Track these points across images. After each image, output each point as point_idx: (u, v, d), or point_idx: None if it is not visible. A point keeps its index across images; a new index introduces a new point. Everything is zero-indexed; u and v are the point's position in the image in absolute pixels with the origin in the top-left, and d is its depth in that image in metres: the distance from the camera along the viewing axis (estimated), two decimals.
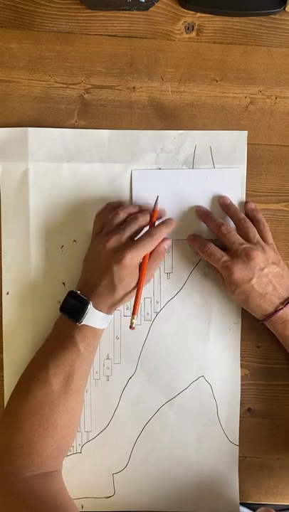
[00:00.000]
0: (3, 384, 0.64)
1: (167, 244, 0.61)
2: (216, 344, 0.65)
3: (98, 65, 0.64)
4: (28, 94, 0.64)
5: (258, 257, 0.58)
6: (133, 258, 0.56)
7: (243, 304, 0.61)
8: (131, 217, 0.60)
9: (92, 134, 0.64)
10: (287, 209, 0.66)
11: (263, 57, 0.65)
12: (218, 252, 0.60)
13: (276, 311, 0.59)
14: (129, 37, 0.64)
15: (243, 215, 0.63)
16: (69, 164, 0.64)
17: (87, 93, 0.65)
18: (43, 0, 0.63)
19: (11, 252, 0.64)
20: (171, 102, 0.65)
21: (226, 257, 0.59)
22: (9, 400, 0.58)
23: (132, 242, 0.58)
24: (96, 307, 0.57)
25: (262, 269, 0.59)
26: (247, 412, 0.66)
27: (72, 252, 0.64)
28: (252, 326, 0.65)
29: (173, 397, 0.65)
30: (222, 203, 0.64)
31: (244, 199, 0.65)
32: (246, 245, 0.59)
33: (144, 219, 0.60)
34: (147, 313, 0.65)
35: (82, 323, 0.56)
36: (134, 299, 0.58)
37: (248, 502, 0.66)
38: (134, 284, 0.58)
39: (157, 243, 0.59)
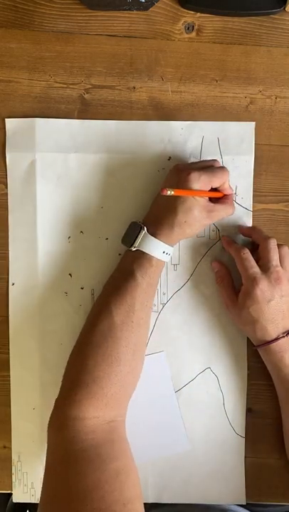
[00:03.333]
0: (9, 379, 0.65)
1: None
2: (222, 335, 0.65)
3: (98, 65, 0.64)
4: (28, 94, 0.64)
5: (284, 284, 0.59)
6: (200, 179, 0.56)
7: (248, 323, 0.60)
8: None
9: (99, 124, 0.64)
10: (287, 209, 0.66)
11: (263, 57, 0.65)
12: (253, 261, 0.60)
13: (277, 338, 0.59)
14: (129, 37, 0.64)
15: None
16: (76, 155, 0.64)
17: (87, 93, 0.65)
18: (43, 0, 0.63)
19: (18, 243, 0.64)
20: (171, 102, 0.65)
21: (257, 269, 0.59)
22: (78, 336, 0.59)
23: (201, 167, 0.58)
24: (153, 234, 0.57)
25: (282, 296, 0.59)
26: (247, 412, 0.66)
27: (79, 243, 0.65)
28: None
29: (179, 389, 0.65)
30: (243, 232, 0.65)
31: (251, 191, 0.65)
32: (279, 268, 0.59)
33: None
34: (154, 305, 0.65)
35: (137, 249, 0.57)
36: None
37: (249, 502, 0.66)
38: (200, 219, 0.58)
39: (225, 180, 0.59)
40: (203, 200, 0.58)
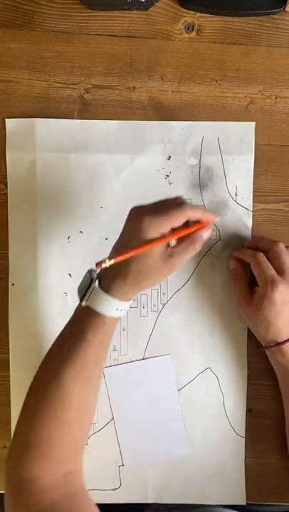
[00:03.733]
0: (9, 379, 0.65)
1: (207, 233, 0.52)
2: (222, 336, 0.65)
3: (98, 65, 0.64)
4: (28, 94, 0.64)
5: None
6: (152, 223, 0.48)
7: (262, 324, 0.60)
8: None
9: (99, 124, 0.64)
10: (287, 209, 0.66)
11: (263, 57, 0.65)
12: (269, 264, 0.60)
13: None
14: (129, 37, 0.64)
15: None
16: (76, 155, 0.64)
17: (87, 93, 0.65)
18: (43, 0, 0.63)
19: (18, 243, 0.64)
20: (171, 102, 0.65)
21: (274, 272, 0.59)
22: (26, 394, 0.56)
23: (156, 208, 0.50)
24: (106, 288, 0.50)
25: None
26: (247, 412, 0.66)
27: (78, 243, 0.65)
28: None
29: (179, 389, 0.65)
30: (263, 247, 0.63)
31: (252, 191, 0.65)
32: None
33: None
34: (154, 305, 0.65)
35: (87, 305, 0.51)
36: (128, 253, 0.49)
37: (248, 502, 0.66)
38: (158, 268, 0.50)
39: (184, 219, 0.50)
40: (159, 250, 0.50)
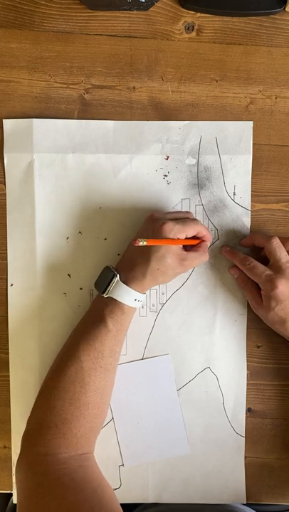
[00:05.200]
0: (9, 379, 0.65)
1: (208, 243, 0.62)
2: (221, 335, 0.65)
3: (98, 65, 0.64)
4: (28, 94, 0.64)
5: None
6: (173, 229, 0.57)
7: (279, 323, 0.60)
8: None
9: (97, 124, 0.64)
10: (287, 209, 0.66)
11: (263, 57, 0.65)
12: (260, 266, 0.61)
13: None
14: (129, 37, 0.64)
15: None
16: (74, 155, 0.64)
17: (87, 93, 0.65)
18: (43, 0, 0.63)
19: (16, 244, 0.64)
20: (171, 102, 0.65)
21: (269, 271, 0.60)
22: (44, 379, 0.59)
23: (174, 217, 0.60)
24: (125, 281, 0.58)
25: None
26: (247, 412, 0.66)
27: (77, 243, 0.65)
28: (252, 326, 0.65)
29: (179, 389, 0.65)
30: (263, 244, 0.63)
31: (250, 190, 0.65)
32: None
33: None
34: (153, 305, 0.65)
35: (108, 296, 0.58)
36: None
37: (248, 502, 0.66)
38: (174, 267, 0.58)
39: (196, 232, 0.60)
40: (176, 249, 0.59)
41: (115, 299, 0.58)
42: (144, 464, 0.65)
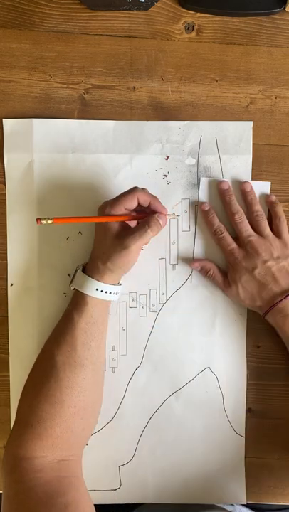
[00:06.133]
0: (9, 379, 0.65)
1: (162, 220, 0.57)
2: (221, 335, 0.65)
3: (98, 65, 0.64)
4: (28, 94, 0.64)
5: (261, 250, 0.60)
6: (108, 205, 0.56)
7: (246, 298, 0.61)
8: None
9: (97, 124, 0.64)
10: (287, 209, 0.66)
11: (263, 57, 0.65)
12: (229, 239, 0.62)
13: (276, 303, 0.60)
14: (129, 37, 0.64)
15: (257, 207, 0.63)
16: (74, 155, 0.64)
17: (87, 93, 0.65)
18: (43, 0, 0.63)
19: (17, 244, 0.64)
20: (171, 102, 0.65)
21: (234, 245, 0.62)
22: (27, 376, 0.59)
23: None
24: (87, 271, 0.58)
25: (264, 262, 0.60)
26: (247, 412, 0.66)
27: (77, 243, 0.65)
28: (252, 326, 0.65)
29: (179, 389, 0.65)
30: (242, 189, 0.64)
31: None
32: (252, 237, 0.61)
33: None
34: (153, 305, 0.65)
35: (74, 288, 0.58)
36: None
37: (249, 502, 0.66)
38: (116, 249, 0.56)
39: (134, 201, 0.56)
40: (113, 228, 0.57)
41: (79, 290, 0.58)
42: (143, 464, 0.65)
